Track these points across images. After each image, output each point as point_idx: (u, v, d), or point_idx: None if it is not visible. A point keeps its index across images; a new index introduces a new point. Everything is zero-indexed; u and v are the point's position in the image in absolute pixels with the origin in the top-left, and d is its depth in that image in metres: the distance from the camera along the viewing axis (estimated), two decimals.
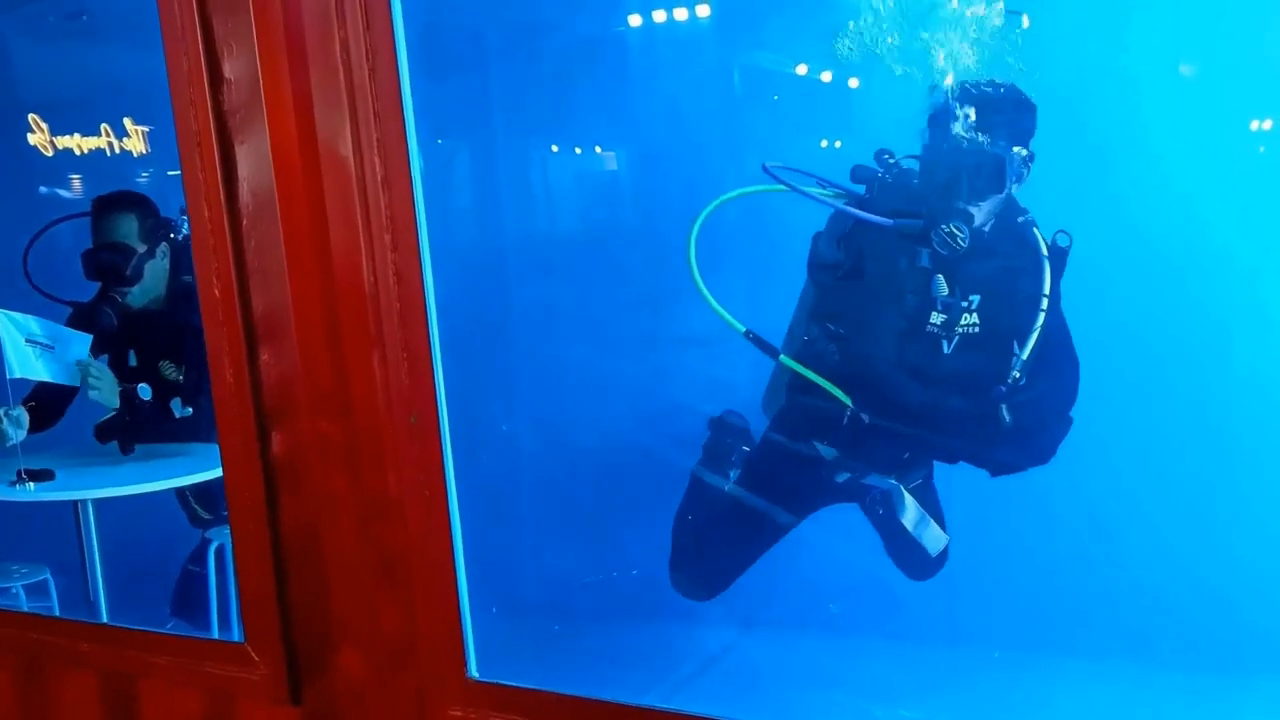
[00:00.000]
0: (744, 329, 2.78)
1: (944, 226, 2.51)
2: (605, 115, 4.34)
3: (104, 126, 4.07)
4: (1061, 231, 2.60)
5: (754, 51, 4.14)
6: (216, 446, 2.02)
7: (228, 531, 2.29)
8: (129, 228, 3.23)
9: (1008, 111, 2.53)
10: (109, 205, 3.26)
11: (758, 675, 3.42)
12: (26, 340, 2.94)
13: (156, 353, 3.26)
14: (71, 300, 3.30)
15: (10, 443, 2.96)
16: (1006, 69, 2.55)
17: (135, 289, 3.24)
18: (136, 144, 4.05)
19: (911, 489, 2.83)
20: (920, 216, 2.56)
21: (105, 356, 3.24)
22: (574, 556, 3.98)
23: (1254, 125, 3.63)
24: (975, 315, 2.63)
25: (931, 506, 2.89)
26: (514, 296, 4.30)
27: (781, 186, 2.72)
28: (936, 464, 2.91)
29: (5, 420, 2.95)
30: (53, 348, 3.02)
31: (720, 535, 2.96)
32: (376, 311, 1.82)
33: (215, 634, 3.24)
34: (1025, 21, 2.58)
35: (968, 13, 2.56)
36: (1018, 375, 2.55)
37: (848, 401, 2.69)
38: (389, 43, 1.74)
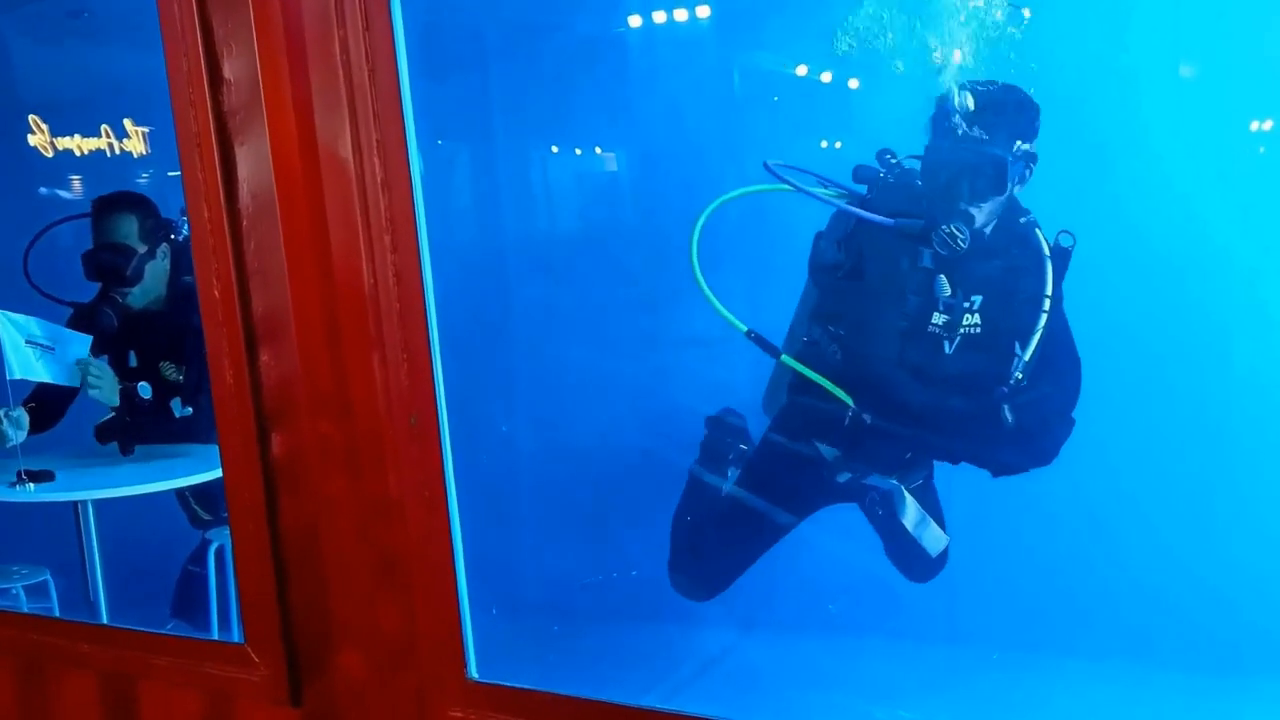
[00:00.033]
0: (746, 328, 2.78)
1: (944, 227, 2.52)
2: (605, 116, 4.34)
3: (104, 127, 4.08)
4: (1065, 232, 2.59)
5: (754, 52, 4.14)
6: (216, 447, 2.02)
7: (228, 532, 2.29)
8: (129, 228, 3.23)
9: (1010, 113, 2.52)
10: (109, 206, 3.26)
11: (757, 676, 3.42)
12: (27, 342, 2.94)
13: (157, 353, 3.26)
14: (72, 301, 3.30)
15: (10, 444, 2.96)
16: (1007, 65, 2.55)
17: (136, 290, 3.24)
18: (136, 145, 4.05)
19: (912, 489, 2.83)
20: (921, 217, 2.56)
21: (105, 357, 3.25)
22: (574, 557, 3.99)
23: (1254, 126, 3.63)
24: (977, 316, 2.63)
25: (932, 507, 2.89)
26: (514, 297, 4.30)
27: (784, 186, 2.72)
28: (937, 465, 2.91)
29: (5, 421, 2.95)
30: (53, 349, 3.02)
31: (720, 535, 2.96)
32: (376, 312, 1.82)
33: (215, 635, 3.24)
34: (1026, 13, 2.57)
35: (969, 5, 2.56)
36: (1020, 376, 2.55)
37: (850, 402, 2.68)
38: (389, 44, 1.74)
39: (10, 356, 2.89)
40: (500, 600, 3.20)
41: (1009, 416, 2.55)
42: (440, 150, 4.32)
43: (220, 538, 3.25)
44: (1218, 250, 3.41)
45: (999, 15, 2.56)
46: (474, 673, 1.87)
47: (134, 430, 3.16)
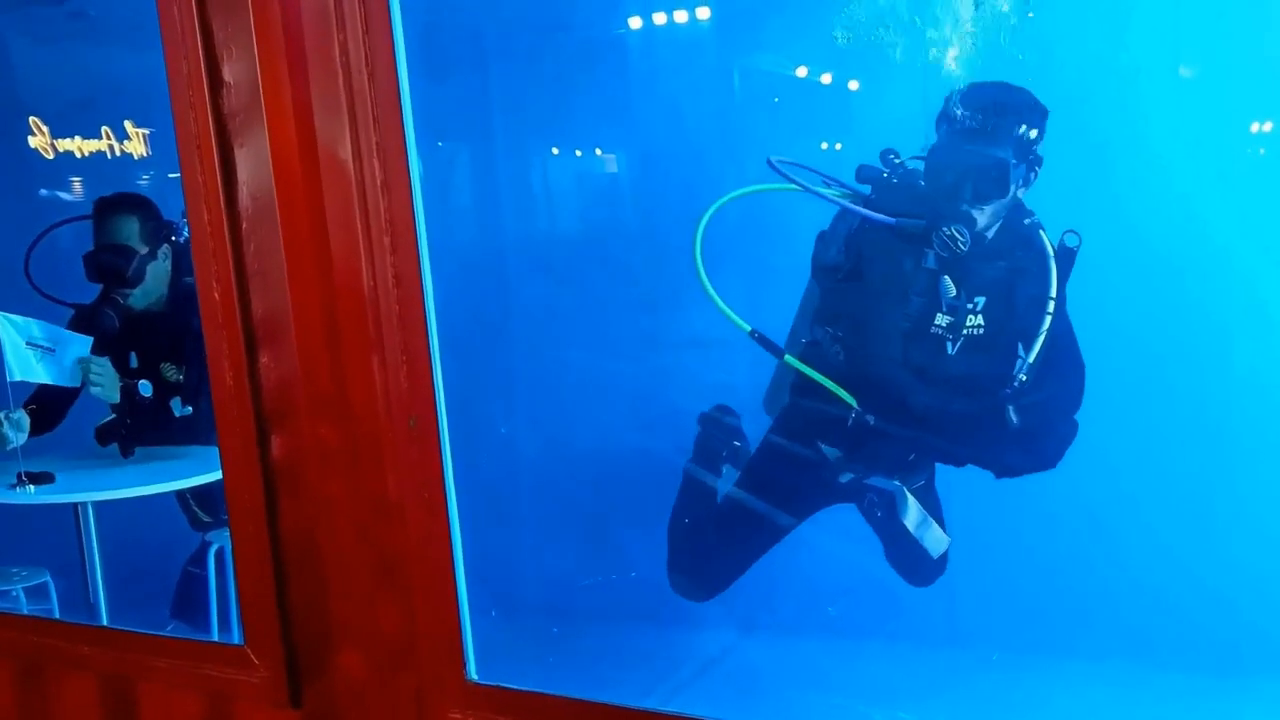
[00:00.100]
0: (749, 328, 2.77)
1: (945, 229, 2.51)
2: (605, 117, 4.34)
3: (105, 129, 4.08)
4: (1070, 231, 2.57)
5: (754, 54, 4.14)
6: (216, 449, 2.02)
7: (228, 534, 2.29)
8: (130, 229, 3.23)
9: (1015, 115, 2.51)
10: (110, 207, 3.27)
11: (757, 678, 3.43)
12: (27, 344, 2.94)
13: (158, 354, 3.27)
14: (73, 302, 3.31)
15: (11, 446, 2.96)
16: (1008, 64, 2.55)
17: (137, 291, 3.24)
18: (137, 147, 4.06)
19: (914, 490, 2.83)
20: (924, 217, 2.56)
21: (107, 358, 3.25)
22: (573, 559, 3.99)
23: (1254, 127, 3.63)
24: (980, 317, 2.62)
25: (933, 508, 2.89)
26: (514, 299, 4.30)
27: (788, 185, 2.71)
28: (938, 466, 2.91)
29: (6, 424, 2.95)
30: (54, 350, 3.03)
31: (720, 536, 2.95)
32: (376, 315, 1.82)
33: (215, 636, 3.24)
34: (1030, 16, 2.57)
35: (969, 3, 2.55)
36: (1024, 378, 2.55)
37: (853, 403, 2.68)
38: (388, 46, 1.74)
39: (10, 359, 2.89)
40: (500, 601, 3.21)
41: (1014, 418, 2.55)
42: (440, 152, 4.32)
43: (220, 539, 3.25)
44: (1218, 250, 3.41)
45: (1004, 7, 2.55)
46: (473, 674, 1.87)
47: (134, 432, 3.16)
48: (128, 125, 4.04)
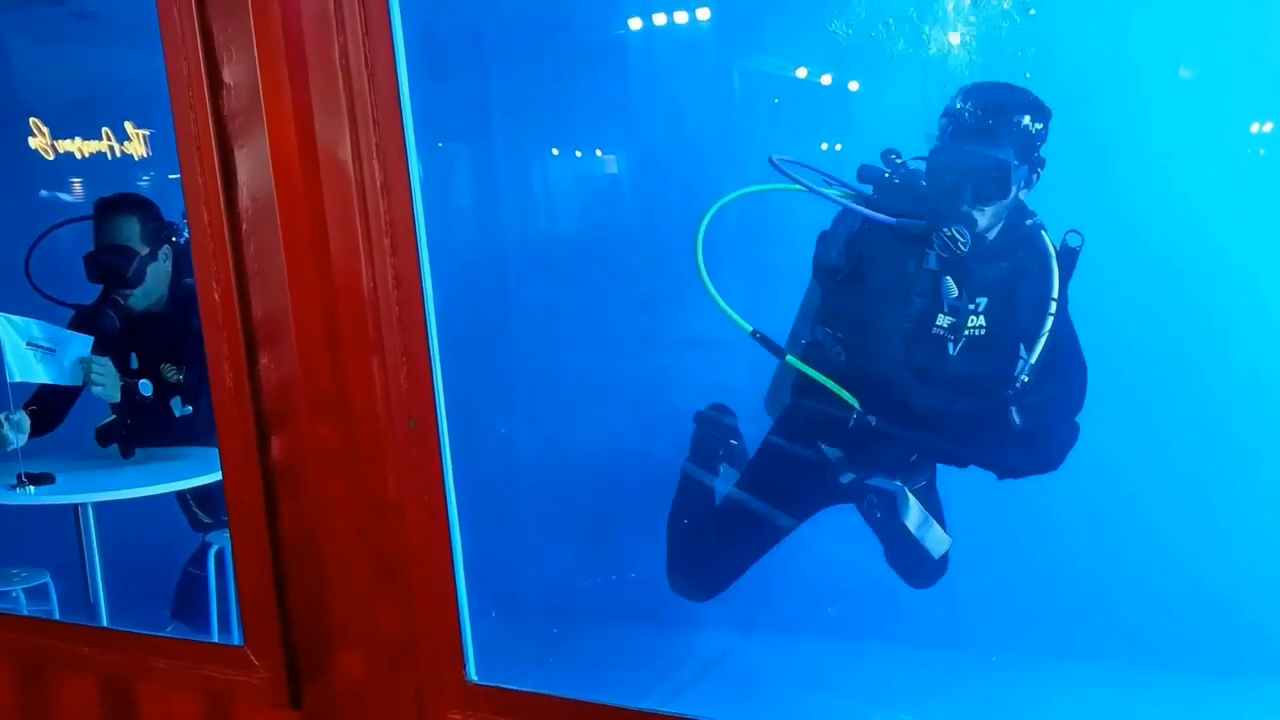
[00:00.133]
0: (751, 329, 2.77)
1: (945, 229, 2.51)
2: (605, 118, 4.34)
3: (105, 130, 4.08)
4: (1073, 231, 2.57)
5: (754, 55, 4.14)
6: (216, 450, 2.03)
7: (228, 535, 2.29)
8: (131, 230, 3.24)
9: (1017, 116, 2.51)
10: (111, 208, 3.27)
11: (757, 678, 3.43)
12: (28, 344, 2.94)
13: (158, 355, 3.27)
14: (74, 303, 3.31)
15: (11, 447, 2.96)
16: (1008, 60, 2.55)
17: (137, 291, 3.24)
18: (137, 148, 4.06)
19: (915, 490, 2.82)
20: (925, 218, 2.56)
21: (108, 358, 3.25)
22: (573, 559, 3.99)
23: (1254, 128, 3.63)
24: (982, 318, 2.62)
25: (934, 508, 2.89)
26: (513, 300, 4.30)
27: (790, 185, 2.70)
28: (938, 467, 2.91)
29: (6, 425, 2.96)
30: (54, 350, 3.03)
31: (720, 536, 2.95)
32: (376, 316, 1.82)
33: (215, 637, 3.24)
34: (1031, 12, 2.56)
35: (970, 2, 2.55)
36: (1026, 379, 2.55)
37: (855, 404, 2.67)
38: (388, 48, 1.74)
39: (10, 359, 2.89)
40: (500, 602, 3.21)
41: (1016, 419, 2.54)
42: (440, 153, 4.32)
43: (220, 540, 3.25)
44: (1217, 251, 3.41)
45: (1005, 4, 2.55)
46: (473, 675, 1.87)
47: (134, 433, 3.17)
48: (128, 126, 4.04)
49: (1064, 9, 3.26)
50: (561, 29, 4.18)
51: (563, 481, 4.02)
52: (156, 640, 2.32)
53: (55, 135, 4.13)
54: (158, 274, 3.28)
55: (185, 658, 2.18)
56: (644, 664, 3.42)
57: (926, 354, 2.64)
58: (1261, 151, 3.67)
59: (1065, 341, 2.59)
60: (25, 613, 3.15)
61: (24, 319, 2.96)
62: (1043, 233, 2.60)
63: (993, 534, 3.16)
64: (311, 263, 1.86)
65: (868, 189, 2.71)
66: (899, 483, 2.80)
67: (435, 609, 1.88)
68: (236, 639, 2.26)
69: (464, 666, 1.87)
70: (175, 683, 2.20)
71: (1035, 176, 2.57)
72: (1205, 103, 3.56)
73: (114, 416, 3.18)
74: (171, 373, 3.25)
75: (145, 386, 3.17)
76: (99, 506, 3.00)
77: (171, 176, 2.00)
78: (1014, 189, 2.52)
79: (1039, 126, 2.53)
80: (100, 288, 3.26)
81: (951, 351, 2.64)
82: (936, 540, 2.82)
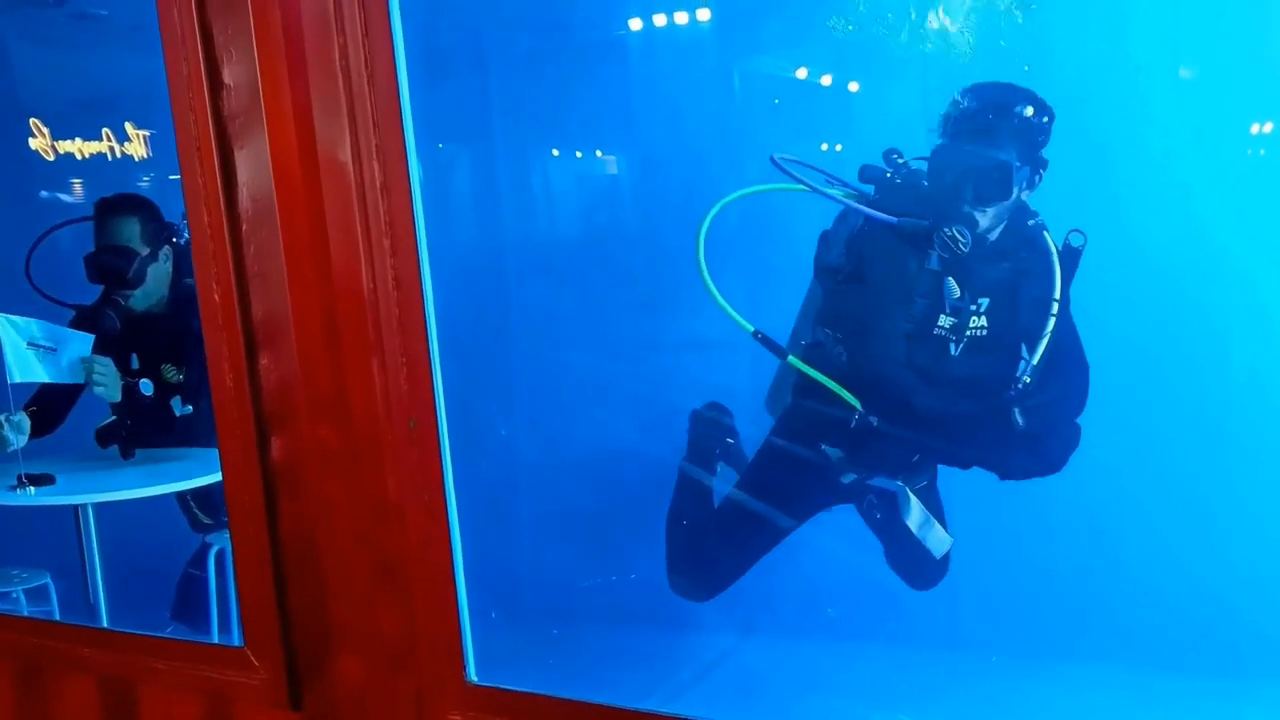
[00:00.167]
0: (753, 329, 2.77)
1: (946, 230, 2.51)
2: (605, 119, 4.34)
3: (105, 131, 4.08)
4: (1075, 231, 2.56)
5: (754, 55, 4.14)
6: (216, 451, 2.03)
7: (228, 536, 2.29)
8: (131, 231, 3.24)
9: (1019, 116, 2.51)
10: (111, 208, 3.27)
11: (757, 680, 3.43)
12: (28, 344, 2.94)
13: (159, 356, 3.27)
14: (74, 303, 3.31)
15: (11, 448, 2.96)
16: (1008, 60, 2.55)
17: (138, 292, 3.25)
18: (138, 148, 4.06)
19: (916, 490, 2.82)
20: (926, 218, 2.55)
21: (109, 358, 3.25)
22: (573, 560, 3.99)
23: (1254, 128, 3.63)
24: (984, 319, 2.62)
25: (935, 509, 2.88)
26: (513, 301, 4.31)
27: (792, 185, 2.70)
28: (939, 468, 2.90)
29: (6, 426, 2.96)
30: (55, 350, 3.03)
31: (720, 537, 2.95)
32: (376, 317, 1.82)
33: (215, 638, 3.25)
34: (1031, 7, 2.55)
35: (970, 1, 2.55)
36: (1028, 380, 2.54)
37: (857, 404, 2.67)
38: (388, 49, 1.74)
39: (11, 360, 2.89)
40: (500, 603, 3.21)
41: (1019, 420, 2.54)
42: (440, 154, 4.33)
43: (220, 541, 3.25)
44: (1217, 250, 3.41)
45: (1005, 4, 2.55)
46: (473, 676, 1.87)
47: (135, 434, 3.17)
48: (128, 127, 4.05)
49: (1064, 9, 3.26)
50: (561, 30, 4.19)
51: (563, 482, 4.02)
52: (156, 641, 2.31)
53: (55, 136, 4.13)
54: (158, 275, 3.28)
55: (185, 658, 2.18)
56: (644, 665, 3.42)
57: (928, 354, 2.64)
58: (1262, 151, 3.67)
59: (1067, 342, 2.58)
60: (25, 613, 3.15)
61: (25, 319, 2.96)
62: (1045, 233, 2.60)
63: (992, 535, 3.16)
64: (311, 264, 1.85)
65: (869, 189, 2.70)
66: (900, 482, 2.80)
67: (435, 610, 1.87)
68: (236, 640, 2.26)
69: (464, 667, 1.86)
70: (175, 683, 2.19)
71: (1038, 178, 2.57)
72: (1205, 103, 3.56)
73: (114, 417, 3.18)
74: (172, 373, 3.25)
75: (146, 386, 3.18)
76: (99, 507, 3.00)
77: (172, 177, 2.00)
78: (1016, 190, 2.51)
79: (1041, 127, 2.53)
80: (101, 288, 3.26)
81: (953, 352, 2.64)
82: (938, 540, 2.82)
